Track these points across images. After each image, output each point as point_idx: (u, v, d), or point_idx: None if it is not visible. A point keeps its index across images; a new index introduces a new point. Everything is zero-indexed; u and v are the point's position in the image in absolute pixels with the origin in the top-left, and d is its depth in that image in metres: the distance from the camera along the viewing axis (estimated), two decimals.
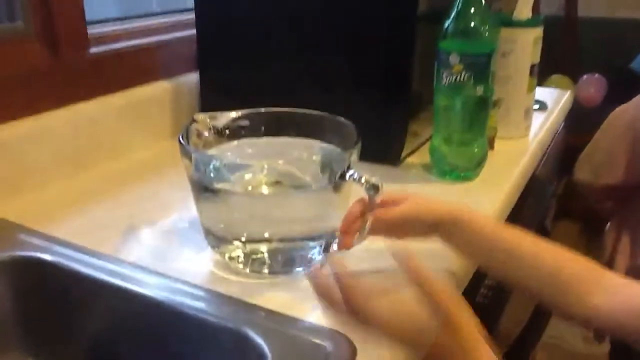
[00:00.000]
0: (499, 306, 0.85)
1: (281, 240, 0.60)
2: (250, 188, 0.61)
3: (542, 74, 2.86)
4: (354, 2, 0.86)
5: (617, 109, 1.13)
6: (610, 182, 1.11)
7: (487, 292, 0.81)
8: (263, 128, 0.69)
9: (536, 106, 1.22)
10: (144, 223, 0.73)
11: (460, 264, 0.65)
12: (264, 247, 0.61)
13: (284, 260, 0.62)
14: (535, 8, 2.84)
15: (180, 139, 0.59)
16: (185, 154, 0.59)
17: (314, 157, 0.62)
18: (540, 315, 0.97)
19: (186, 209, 0.71)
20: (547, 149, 1.13)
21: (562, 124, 1.29)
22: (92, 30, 0.91)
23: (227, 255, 0.63)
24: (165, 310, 0.56)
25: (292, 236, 0.60)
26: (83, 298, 0.60)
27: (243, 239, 0.60)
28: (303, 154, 0.68)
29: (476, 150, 0.85)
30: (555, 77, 2.50)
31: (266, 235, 0.60)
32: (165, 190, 0.82)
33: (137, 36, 0.99)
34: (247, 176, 0.62)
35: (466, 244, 0.58)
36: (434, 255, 0.57)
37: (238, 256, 0.62)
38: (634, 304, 0.53)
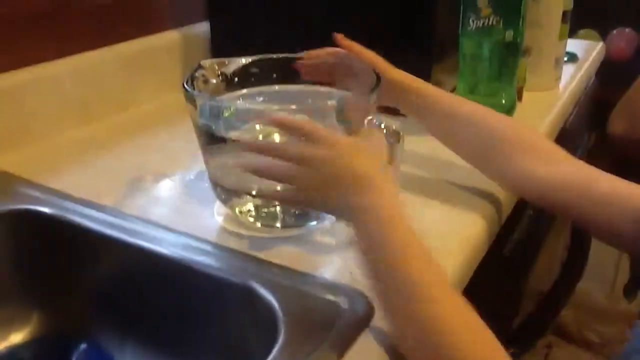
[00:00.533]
0: (528, 261, 0.80)
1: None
2: (261, 137, 0.57)
3: (570, 27, 2.74)
4: None
5: None
6: None
7: (514, 246, 0.77)
8: (275, 75, 0.65)
9: (566, 57, 1.16)
10: (150, 175, 0.69)
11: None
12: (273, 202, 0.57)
13: (297, 214, 0.58)
14: None
15: (185, 84, 0.55)
16: (191, 100, 0.55)
17: (329, 104, 0.58)
18: (571, 272, 0.93)
19: (194, 162, 0.67)
20: (578, 101, 1.07)
21: (593, 77, 1.22)
22: None
23: (237, 209, 0.59)
24: (171, 264, 0.53)
25: None
26: (85, 252, 0.57)
27: (254, 193, 0.56)
28: (318, 101, 0.64)
29: (504, 101, 0.80)
30: (583, 32, 2.39)
31: (278, 187, 0.56)
32: (173, 142, 0.78)
33: None
34: (258, 126, 0.57)
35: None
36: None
37: (249, 210, 0.58)
38: (568, 179, 0.55)
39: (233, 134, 0.55)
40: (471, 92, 0.80)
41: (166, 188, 0.67)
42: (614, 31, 2.41)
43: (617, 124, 1.07)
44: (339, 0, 0.84)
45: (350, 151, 0.47)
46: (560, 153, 0.58)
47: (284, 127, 0.49)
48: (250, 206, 0.58)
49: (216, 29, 0.96)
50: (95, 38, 0.85)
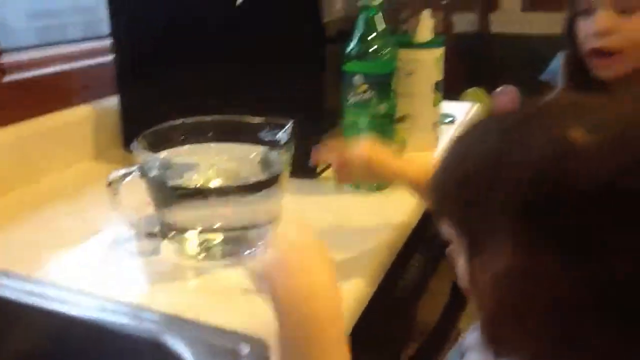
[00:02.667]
0: (415, 301, 0.91)
1: (230, 229, 0.71)
2: (199, 185, 0.69)
3: (460, 87, 2.98)
4: (267, 23, 0.91)
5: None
6: None
7: (404, 287, 0.87)
8: (210, 134, 0.78)
9: (449, 119, 1.31)
10: (64, 241, 0.75)
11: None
12: (215, 236, 0.70)
13: (233, 247, 0.70)
14: (449, 28, 2.98)
15: (133, 147, 0.67)
16: (141, 156, 0.66)
17: (253, 157, 0.71)
18: (453, 311, 1.04)
19: (107, 226, 0.74)
20: None
21: None
22: (8, 58, 0.92)
23: (182, 245, 0.70)
24: (87, 327, 0.58)
25: (238, 225, 0.71)
26: (1, 321, 0.61)
27: (196, 230, 0.69)
28: (244, 154, 0.76)
29: None
30: (472, 90, 2.63)
31: (216, 226, 0.70)
32: (86, 209, 0.84)
33: (54, 63, 1.01)
34: (195, 176, 0.70)
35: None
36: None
37: (192, 245, 0.70)
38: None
39: (175, 183, 0.67)
40: None
41: (81, 253, 0.73)
42: (499, 88, 2.67)
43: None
44: (238, 71, 0.94)
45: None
46: None
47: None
48: (194, 242, 0.70)
49: (125, 101, 1.04)
50: (9, 112, 0.90)
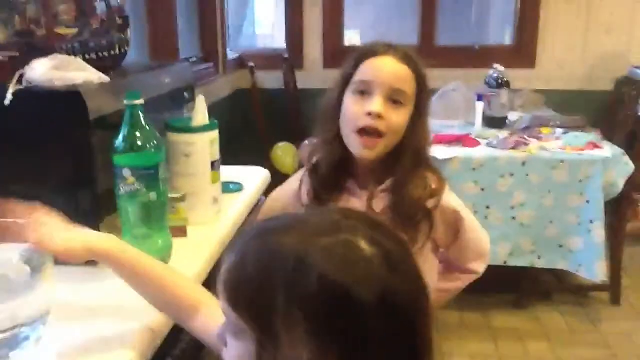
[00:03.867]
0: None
1: None
2: None
3: (269, 142, 3.17)
4: (35, 122, 0.96)
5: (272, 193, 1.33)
6: None
7: (184, 346, 0.95)
8: None
9: (237, 187, 1.43)
10: None
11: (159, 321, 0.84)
12: None
13: (1, 349, 0.73)
14: (255, 85, 3.16)
15: None
16: None
17: (18, 258, 0.75)
18: None
19: None
20: (245, 222, 1.33)
21: (262, 197, 1.51)
22: None
23: None
24: None
25: (5, 327, 0.73)
26: None
27: None
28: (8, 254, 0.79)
29: (160, 242, 1.00)
30: (281, 145, 2.82)
31: None
32: None
33: None
34: None
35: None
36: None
37: None
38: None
39: None
40: (133, 237, 0.98)
41: None
42: (306, 141, 2.89)
43: None
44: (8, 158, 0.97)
45: None
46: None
47: None
48: None
49: None
50: None
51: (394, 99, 1.12)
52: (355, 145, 1.13)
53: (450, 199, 1.18)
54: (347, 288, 0.53)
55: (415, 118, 1.15)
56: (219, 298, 0.62)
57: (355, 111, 1.13)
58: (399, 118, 1.12)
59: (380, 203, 1.16)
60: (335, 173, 1.18)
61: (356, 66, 1.14)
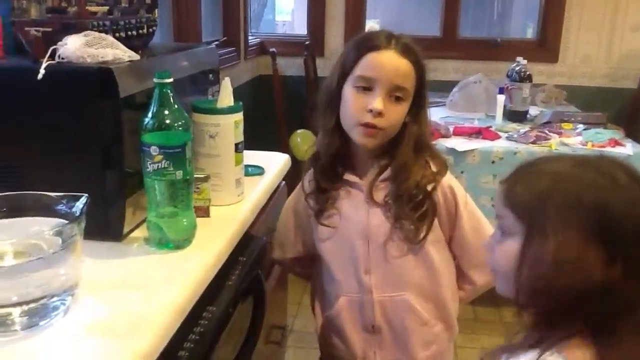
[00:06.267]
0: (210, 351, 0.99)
1: (28, 302, 0.74)
2: None
3: (288, 128, 3.18)
4: (67, 97, 0.97)
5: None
6: (292, 255, 1.34)
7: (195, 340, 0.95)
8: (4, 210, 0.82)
9: (258, 171, 1.43)
10: None
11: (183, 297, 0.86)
12: (12, 310, 0.73)
13: (32, 317, 0.75)
14: (276, 71, 3.16)
15: None
16: None
17: (48, 229, 0.77)
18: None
19: None
20: (265, 207, 1.34)
21: (283, 182, 1.51)
22: None
23: None
24: None
25: (36, 296, 0.74)
26: None
27: None
28: (41, 227, 0.81)
29: (185, 222, 1.01)
30: (299, 132, 2.82)
31: (14, 299, 0.73)
32: None
33: None
34: None
35: None
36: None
37: None
38: None
39: None
40: (158, 216, 0.99)
41: None
42: None
43: (274, 249, 1.35)
44: (37, 139, 0.98)
45: None
46: None
47: None
48: None
49: None
50: None
51: (394, 94, 1.13)
52: (357, 134, 1.16)
53: (450, 179, 1.20)
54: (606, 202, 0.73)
55: (415, 107, 1.17)
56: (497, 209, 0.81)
57: (356, 107, 1.14)
58: (398, 113, 1.14)
59: (380, 193, 1.18)
60: (334, 163, 1.21)
61: (357, 59, 1.15)
